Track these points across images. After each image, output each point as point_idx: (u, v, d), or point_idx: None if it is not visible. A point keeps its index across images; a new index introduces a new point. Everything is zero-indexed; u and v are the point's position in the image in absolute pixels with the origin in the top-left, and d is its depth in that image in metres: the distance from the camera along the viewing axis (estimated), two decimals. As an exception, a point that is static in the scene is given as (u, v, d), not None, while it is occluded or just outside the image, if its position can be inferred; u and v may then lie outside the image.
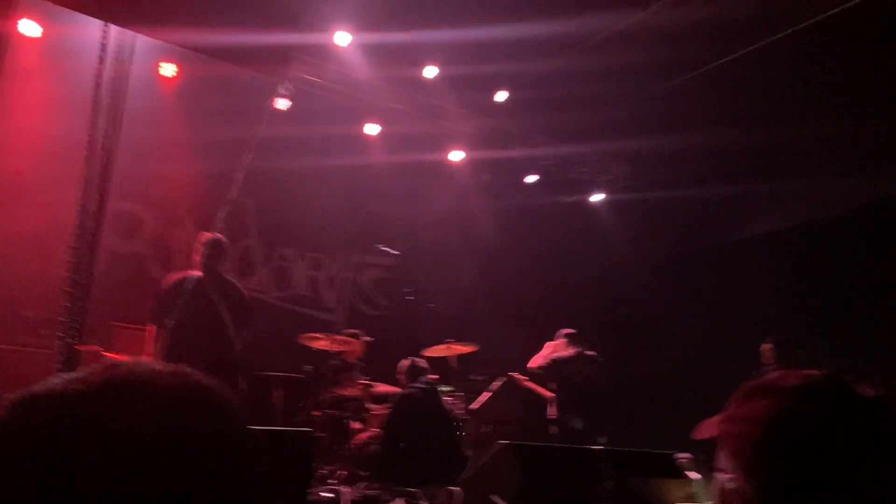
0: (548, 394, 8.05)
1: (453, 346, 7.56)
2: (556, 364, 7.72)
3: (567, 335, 7.93)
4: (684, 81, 8.32)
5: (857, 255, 8.26)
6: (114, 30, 3.10)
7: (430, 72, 8.70)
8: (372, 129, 9.39)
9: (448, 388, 7.50)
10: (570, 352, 7.75)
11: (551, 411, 7.77)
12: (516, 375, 8.23)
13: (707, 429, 1.11)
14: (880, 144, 8.25)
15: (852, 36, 7.15)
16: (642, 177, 10.49)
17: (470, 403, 7.91)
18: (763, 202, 9.68)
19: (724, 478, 1.05)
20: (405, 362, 6.66)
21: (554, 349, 7.87)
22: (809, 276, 8.51)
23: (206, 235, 5.85)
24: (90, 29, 5.75)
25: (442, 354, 7.65)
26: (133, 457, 0.64)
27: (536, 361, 7.86)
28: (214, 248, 5.78)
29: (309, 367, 7.22)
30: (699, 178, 9.68)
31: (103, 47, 3.38)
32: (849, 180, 8.73)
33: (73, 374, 0.70)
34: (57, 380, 0.70)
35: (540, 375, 7.83)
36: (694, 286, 9.66)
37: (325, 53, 7.98)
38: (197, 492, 0.66)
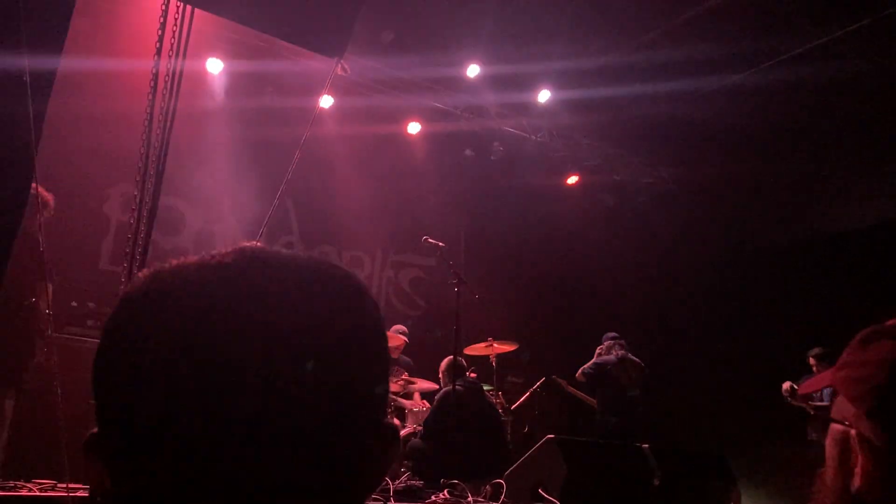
0: (589, 399, 8.02)
1: (494, 345, 7.52)
2: (598, 368, 7.67)
3: (611, 339, 7.89)
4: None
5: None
6: (170, 24, 3.15)
7: (472, 71, 8.73)
8: (413, 127, 9.42)
9: (489, 388, 7.47)
10: (612, 356, 7.69)
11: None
12: (557, 378, 8.18)
13: (817, 382, 1.04)
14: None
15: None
16: (692, 177, 10.35)
17: (509, 403, 7.87)
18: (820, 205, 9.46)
19: (841, 428, 1.00)
20: (446, 360, 6.64)
21: (598, 354, 7.86)
22: (863, 281, 8.31)
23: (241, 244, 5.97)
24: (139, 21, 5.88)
25: (482, 353, 7.62)
26: (277, 323, 0.61)
27: (582, 368, 7.84)
28: None
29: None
30: (754, 178, 9.48)
31: (160, 39, 3.42)
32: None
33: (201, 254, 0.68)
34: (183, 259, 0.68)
35: (586, 381, 7.79)
36: (744, 289, 9.49)
37: (367, 51, 8.03)
38: (335, 370, 0.63)
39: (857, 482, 0.95)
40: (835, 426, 1.00)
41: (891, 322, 1.02)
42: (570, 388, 8.22)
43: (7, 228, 2.78)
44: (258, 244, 0.69)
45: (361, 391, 0.65)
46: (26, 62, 2.60)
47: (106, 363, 0.64)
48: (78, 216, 7.08)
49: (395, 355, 7.61)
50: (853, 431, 0.97)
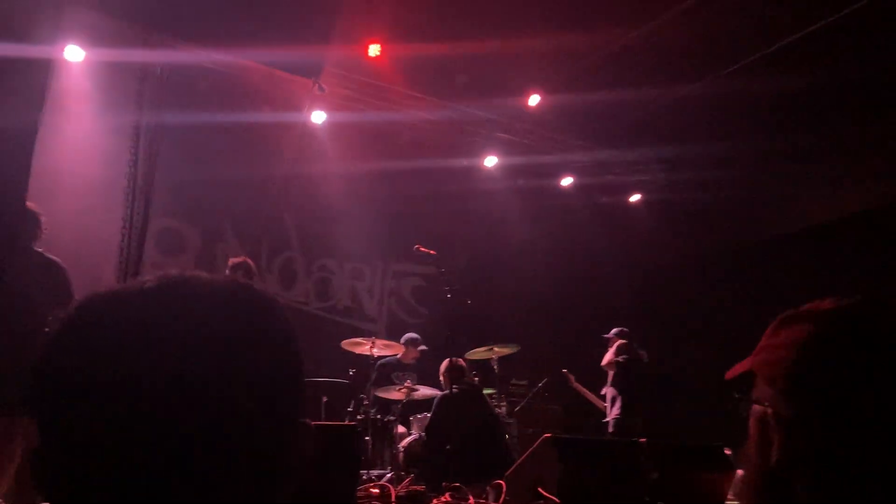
0: (594, 398, 8.02)
1: (494, 349, 7.60)
2: (628, 363, 7.67)
3: (625, 333, 7.89)
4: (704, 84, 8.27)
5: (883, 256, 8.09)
6: (152, 45, 3.26)
7: (461, 79, 8.84)
8: (406, 137, 9.55)
9: (491, 391, 7.55)
10: (644, 353, 7.74)
11: (614, 411, 7.72)
12: (568, 373, 8.22)
13: (738, 367, 1.10)
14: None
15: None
16: (679, 176, 10.44)
17: (512, 406, 7.94)
18: (795, 199, 9.55)
19: (760, 408, 1.05)
20: (445, 362, 6.72)
21: (618, 347, 7.83)
22: (852, 270, 8.35)
23: (233, 260, 6.16)
24: (130, 50, 6.01)
25: (483, 357, 7.69)
26: (193, 342, 0.71)
27: (608, 358, 7.82)
28: (243, 270, 6.10)
29: (353, 371, 7.33)
30: (734, 176, 9.59)
31: (143, 65, 3.53)
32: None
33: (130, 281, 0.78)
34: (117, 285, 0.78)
35: (619, 371, 7.76)
36: (731, 285, 9.54)
37: (352, 65, 8.13)
38: (253, 376, 0.73)
39: (773, 458, 1.01)
40: (756, 407, 1.06)
41: (806, 307, 1.08)
42: (577, 385, 8.23)
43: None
44: (183, 272, 0.80)
45: (269, 393, 0.75)
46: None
47: (38, 384, 0.72)
48: (75, 239, 7.18)
49: (407, 360, 7.69)
50: (769, 411, 1.03)
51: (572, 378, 8.23)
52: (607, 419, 7.77)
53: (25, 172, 2.89)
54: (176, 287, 0.76)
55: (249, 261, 6.35)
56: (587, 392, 8.17)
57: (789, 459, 1.00)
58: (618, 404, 7.68)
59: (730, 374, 1.21)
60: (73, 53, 6.98)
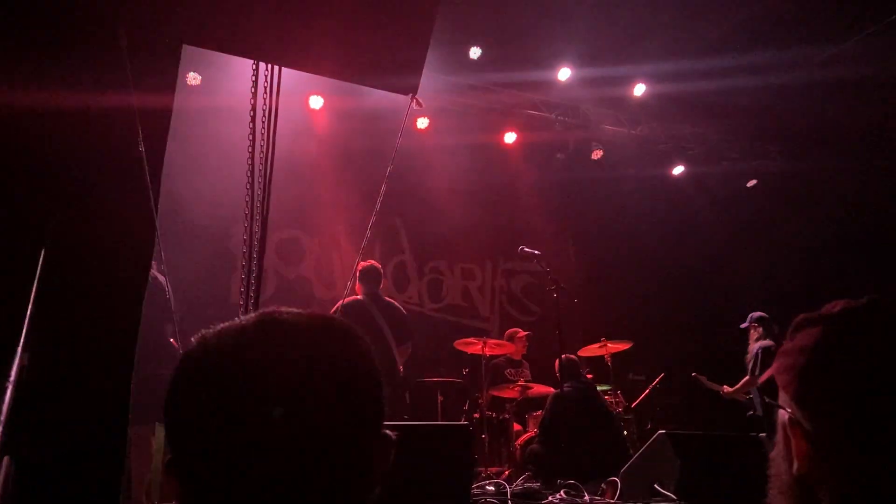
0: (726, 389, 7.71)
1: (608, 345, 7.53)
2: (766, 354, 7.37)
3: (766, 320, 7.58)
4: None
5: None
6: (263, 68, 3.46)
7: (564, 74, 8.81)
8: (510, 137, 9.58)
9: (606, 387, 7.48)
10: (769, 340, 7.42)
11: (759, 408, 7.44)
12: (698, 376, 7.97)
13: (769, 371, 1.06)
14: None
15: None
16: (797, 163, 9.97)
17: (629, 401, 7.83)
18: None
19: (784, 414, 1.04)
20: (558, 360, 6.73)
21: (759, 336, 7.53)
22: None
23: (362, 264, 6.35)
24: (244, 74, 6.35)
25: (597, 353, 7.64)
26: (293, 372, 0.85)
27: (753, 348, 7.54)
28: (369, 274, 6.30)
29: (466, 370, 7.45)
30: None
31: (254, 85, 3.74)
32: None
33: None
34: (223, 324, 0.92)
35: (758, 361, 7.47)
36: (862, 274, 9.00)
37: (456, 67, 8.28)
38: (347, 400, 0.86)
39: (795, 465, 0.99)
40: (781, 412, 1.05)
41: (823, 309, 1.06)
42: (712, 385, 7.94)
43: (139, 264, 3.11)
44: (280, 308, 0.93)
45: (360, 414, 0.89)
46: (134, 105, 2.91)
47: (170, 407, 0.89)
48: (206, 253, 7.67)
49: (517, 357, 7.78)
50: (787, 416, 1.02)
51: (704, 379, 7.94)
52: (753, 412, 7.48)
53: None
54: (269, 325, 0.90)
55: (376, 264, 6.59)
56: (727, 388, 7.81)
57: (810, 466, 0.98)
58: (761, 395, 7.37)
59: (762, 379, 1.21)
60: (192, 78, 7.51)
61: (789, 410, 1.02)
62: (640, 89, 9.20)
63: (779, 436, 1.07)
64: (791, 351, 1.05)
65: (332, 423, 0.84)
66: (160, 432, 5.17)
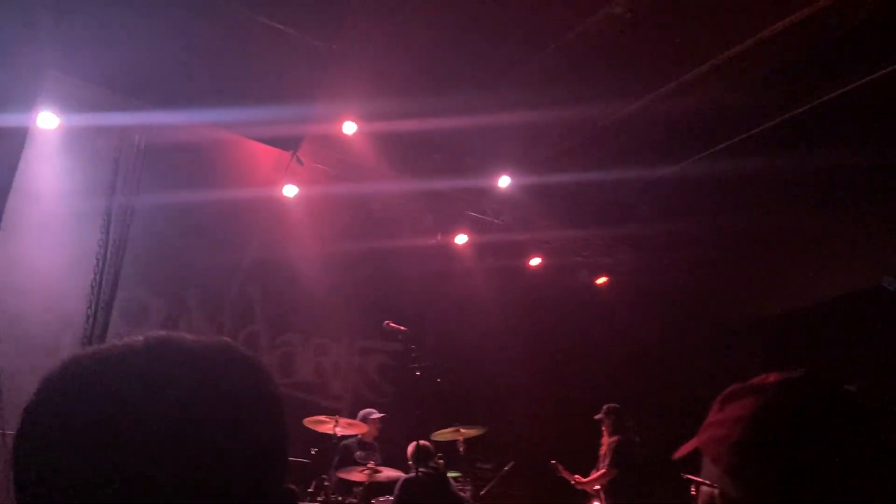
0: (586, 482, 7.74)
1: (461, 430, 7.44)
2: (624, 446, 7.49)
3: (616, 411, 7.74)
4: (682, 167, 8.58)
5: (857, 340, 8.26)
6: (123, 119, 3.26)
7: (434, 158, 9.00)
8: (376, 213, 9.57)
9: (456, 474, 7.35)
10: (623, 432, 7.57)
11: (607, 501, 7.49)
12: (557, 464, 7.96)
13: (689, 445, 1.06)
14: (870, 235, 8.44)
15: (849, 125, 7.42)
16: (645, 260, 10.61)
17: (477, 490, 7.72)
18: (765, 287, 9.75)
19: (708, 489, 1.00)
20: (412, 445, 6.56)
21: (621, 428, 7.66)
22: (814, 359, 8.46)
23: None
24: (104, 117, 6.00)
25: (450, 438, 7.53)
26: (182, 398, 0.69)
27: (622, 448, 7.60)
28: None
29: (315, 450, 7.10)
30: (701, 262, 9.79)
31: (120, 137, 3.51)
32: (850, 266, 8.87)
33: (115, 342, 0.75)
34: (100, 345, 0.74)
35: (627, 460, 7.54)
36: (696, 369, 9.58)
37: (328, 141, 8.24)
38: (236, 438, 0.69)
39: None
40: (703, 489, 1.00)
41: (755, 380, 1.03)
42: (566, 474, 7.95)
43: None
44: (169, 333, 0.76)
45: (252, 458, 0.72)
46: None
47: (24, 441, 0.69)
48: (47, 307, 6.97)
49: (368, 439, 7.53)
50: (716, 491, 0.97)
51: (561, 468, 7.96)
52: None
53: None
54: (162, 345, 0.74)
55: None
56: (579, 478, 7.84)
57: None
58: (615, 486, 7.46)
59: (678, 454, 1.16)
60: (48, 120, 6.95)
61: (713, 485, 0.97)
62: (504, 181, 9.54)
63: None
64: (723, 422, 1.00)
65: (226, 467, 0.68)
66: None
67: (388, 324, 6.27)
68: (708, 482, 1.00)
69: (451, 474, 7.12)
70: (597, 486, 7.62)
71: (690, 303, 10.26)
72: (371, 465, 6.82)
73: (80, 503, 0.64)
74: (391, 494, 6.45)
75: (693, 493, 1.11)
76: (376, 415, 7.62)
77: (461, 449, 7.51)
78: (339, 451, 6.99)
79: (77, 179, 6.82)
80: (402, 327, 6.21)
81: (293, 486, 0.77)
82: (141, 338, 0.75)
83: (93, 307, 3.49)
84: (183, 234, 8.28)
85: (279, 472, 0.76)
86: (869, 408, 0.95)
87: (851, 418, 0.94)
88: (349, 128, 8.29)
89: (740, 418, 0.98)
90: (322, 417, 6.85)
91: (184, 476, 0.65)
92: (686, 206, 9.03)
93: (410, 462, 6.73)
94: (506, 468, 8.19)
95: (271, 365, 9.32)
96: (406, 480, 6.19)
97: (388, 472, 6.79)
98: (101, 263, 3.29)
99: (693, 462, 1.12)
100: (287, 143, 3.23)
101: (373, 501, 6.93)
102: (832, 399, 0.96)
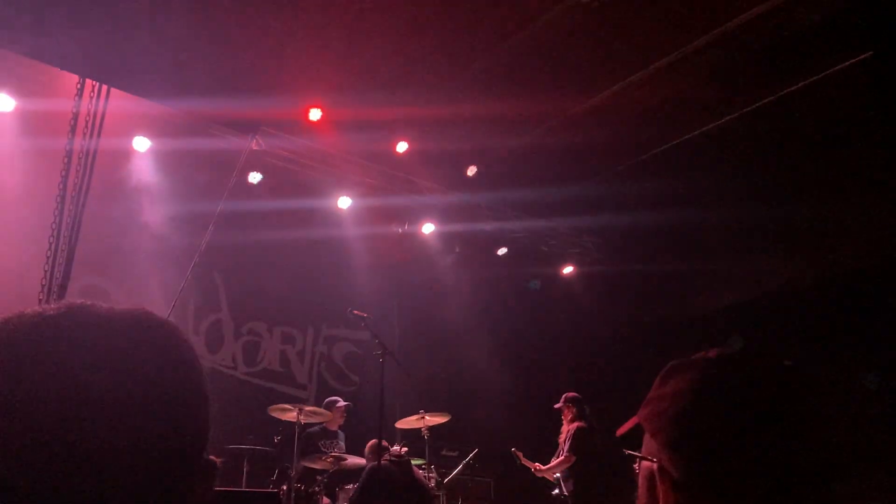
0: (544, 470, 7.80)
1: (426, 418, 7.46)
2: (581, 433, 7.57)
3: (575, 400, 7.83)
4: (644, 160, 8.67)
5: (813, 329, 8.48)
6: (86, 101, 3.18)
7: (402, 147, 8.93)
8: (344, 202, 9.48)
9: (420, 461, 7.38)
10: (582, 421, 7.64)
11: (567, 486, 7.55)
12: (516, 451, 8.01)
13: (631, 421, 1.07)
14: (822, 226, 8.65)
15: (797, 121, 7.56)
16: (611, 250, 10.72)
17: (442, 477, 7.75)
18: (721, 276, 9.93)
19: (648, 464, 1.01)
20: (370, 444, 6.58)
21: (571, 417, 7.74)
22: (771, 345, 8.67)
23: None
24: (62, 101, 5.87)
25: (414, 426, 7.54)
26: (92, 364, 0.67)
27: (567, 428, 7.70)
28: None
29: (278, 438, 7.07)
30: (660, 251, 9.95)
31: (74, 118, 3.42)
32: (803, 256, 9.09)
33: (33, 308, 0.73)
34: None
35: (572, 441, 7.61)
36: (658, 357, 9.71)
37: (295, 128, 8.15)
38: (151, 407, 0.68)
39: None
40: (644, 463, 1.01)
41: (695, 356, 1.04)
42: (527, 462, 8.01)
43: None
44: (86, 301, 0.75)
45: (168, 428, 0.70)
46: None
47: None
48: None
49: (333, 427, 7.52)
50: (655, 465, 0.98)
51: (521, 455, 8.01)
52: (559, 491, 7.60)
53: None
54: (76, 312, 0.73)
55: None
56: (539, 466, 7.90)
57: None
58: (575, 472, 7.55)
59: (621, 430, 1.16)
60: (4, 102, 6.78)
61: (655, 460, 0.98)
62: (471, 170, 9.51)
63: (641, 488, 1.02)
64: (663, 397, 1.00)
65: (142, 434, 0.67)
66: None
67: (351, 311, 6.25)
68: (648, 457, 1.00)
69: (415, 462, 7.14)
70: (556, 474, 7.70)
71: (653, 293, 10.39)
72: (335, 453, 6.82)
73: None
74: (356, 482, 6.45)
75: (636, 468, 1.12)
76: (341, 403, 7.61)
77: (425, 436, 7.54)
78: (303, 440, 6.96)
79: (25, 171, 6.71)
80: (364, 314, 6.20)
81: (214, 458, 0.76)
82: (55, 305, 0.73)
83: (45, 295, 3.41)
84: (141, 218, 8.17)
85: (198, 443, 0.74)
86: (805, 382, 0.96)
87: (788, 392, 0.95)
88: (314, 114, 8.21)
89: (678, 392, 0.98)
90: (286, 406, 6.82)
91: (95, 445, 0.64)
92: (649, 198, 9.12)
93: (368, 455, 6.76)
94: (470, 456, 8.22)
95: (236, 354, 9.26)
96: (372, 468, 6.19)
97: (352, 460, 6.79)
98: (53, 249, 3.21)
99: (637, 439, 1.13)
100: (246, 128, 3.18)
101: (337, 489, 6.94)
102: (769, 373, 0.97)
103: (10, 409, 0.63)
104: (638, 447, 1.10)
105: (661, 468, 0.97)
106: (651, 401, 1.03)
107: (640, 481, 1.02)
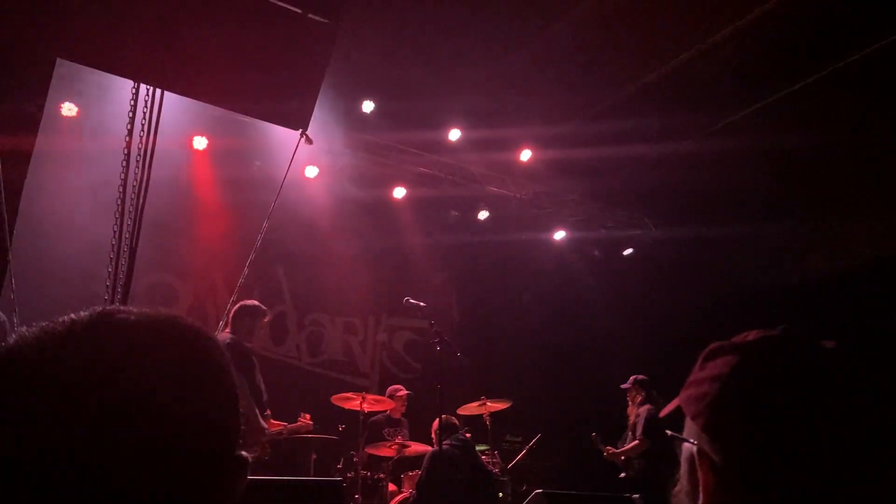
0: (609, 450, 7.72)
1: (487, 404, 7.48)
2: (654, 416, 7.40)
3: (644, 382, 7.72)
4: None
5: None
6: (143, 104, 3.29)
7: (454, 135, 8.96)
8: (399, 192, 9.56)
9: (484, 447, 7.41)
10: (651, 403, 7.53)
11: (636, 468, 7.49)
12: (595, 437, 7.94)
13: (672, 403, 1.04)
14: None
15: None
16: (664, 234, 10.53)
17: (506, 463, 7.77)
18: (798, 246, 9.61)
19: (688, 448, 1.01)
20: (437, 420, 6.61)
21: (646, 399, 7.64)
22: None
23: (243, 303, 6.14)
24: (122, 107, 6.07)
25: (476, 412, 7.57)
26: (117, 383, 0.70)
27: (637, 411, 7.64)
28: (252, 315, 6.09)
29: (342, 427, 7.19)
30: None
31: (132, 121, 3.53)
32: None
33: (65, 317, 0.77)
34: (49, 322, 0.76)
35: (652, 432, 7.43)
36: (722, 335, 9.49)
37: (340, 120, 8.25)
38: (184, 410, 0.72)
39: (702, 498, 0.96)
40: (685, 445, 1.01)
41: (735, 338, 1.03)
42: (601, 446, 7.93)
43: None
44: (119, 307, 0.79)
45: (201, 429, 0.74)
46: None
47: None
48: (66, 292, 7.10)
49: (396, 415, 7.60)
50: (695, 448, 0.98)
51: (598, 440, 7.92)
52: (626, 474, 7.53)
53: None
54: (104, 319, 0.76)
55: (254, 302, 6.34)
56: (611, 449, 7.81)
57: (715, 499, 0.95)
58: (647, 456, 7.44)
59: (663, 412, 1.16)
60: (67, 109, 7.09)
61: (696, 443, 0.97)
62: (526, 154, 9.47)
63: (682, 470, 1.01)
64: (703, 380, 1.00)
65: (175, 439, 0.71)
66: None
67: (407, 300, 6.29)
68: (689, 440, 1.00)
69: (479, 448, 7.17)
70: (624, 457, 7.62)
71: (705, 274, 10.14)
72: (399, 440, 6.90)
73: (30, 486, 0.66)
74: (420, 469, 6.52)
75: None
76: (403, 392, 7.69)
77: (487, 422, 7.56)
78: (367, 427, 7.07)
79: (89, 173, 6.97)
80: (421, 303, 6.22)
81: (245, 454, 0.79)
82: (85, 314, 0.76)
83: (109, 296, 3.53)
84: (206, 217, 8.39)
85: (230, 441, 0.77)
86: (847, 365, 0.95)
87: (829, 375, 0.94)
88: (367, 107, 8.31)
89: (718, 376, 0.98)
90: (349, 394, 6.93)
91: (133, 451, 0.67)
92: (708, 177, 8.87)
93: (433, 436, 6.78)
94: (533, 441, 8.22)
95: (300, 345, 9.45)
96: (434, 453, 6.24)
97: (416, 447, 6.86)
98: (116, 247, 3.33)
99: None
100: (296, 122, 3.24)
101: (402, 476, 7.03)
102: (810, 355, 0.96)
103: (40, 418, 0.67)
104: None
105: (700, 451, 0.97)
106: (691, 384, 1.03)
107: (683, 464, 1.02)
